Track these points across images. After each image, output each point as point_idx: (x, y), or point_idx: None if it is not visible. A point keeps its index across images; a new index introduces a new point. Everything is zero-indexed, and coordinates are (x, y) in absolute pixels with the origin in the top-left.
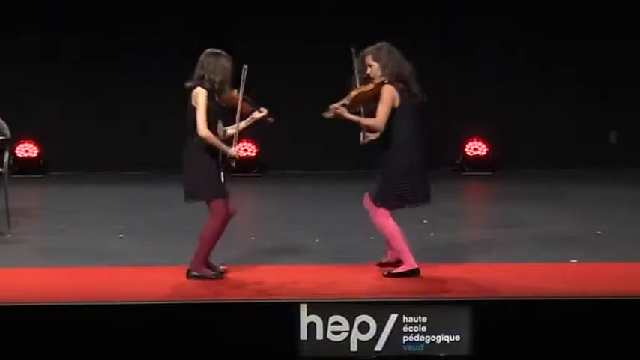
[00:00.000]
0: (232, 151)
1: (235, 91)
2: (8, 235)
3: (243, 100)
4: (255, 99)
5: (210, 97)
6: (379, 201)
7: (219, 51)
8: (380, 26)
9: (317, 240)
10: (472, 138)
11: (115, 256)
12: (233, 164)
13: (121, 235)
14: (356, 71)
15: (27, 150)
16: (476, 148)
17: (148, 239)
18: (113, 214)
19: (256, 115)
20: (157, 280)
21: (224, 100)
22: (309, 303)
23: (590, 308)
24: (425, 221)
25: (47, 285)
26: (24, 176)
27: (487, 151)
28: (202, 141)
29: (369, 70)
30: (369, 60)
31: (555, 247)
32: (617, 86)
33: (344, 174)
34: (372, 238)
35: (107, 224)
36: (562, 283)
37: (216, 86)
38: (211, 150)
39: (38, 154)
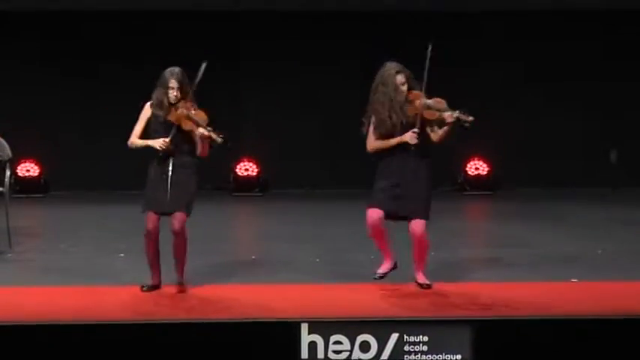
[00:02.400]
0: (152, 142)
1: (183, 109)
2: (9, 255)
3: (186, 118)
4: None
5: (157, 110)
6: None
7: (171, 68)
8: (377, 48)
9: (317, 259)
10: (473, 157)
11: (115, 276)
12: (160, 153)
13: (121, 255)
14: (425, 73)
15: (28, 169)
16: (477, 167)
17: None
18: (114, 233)
19: (202, 133)
20: (157, 299)
21: (169, 117)
22: (310, 322)
23: (592, 328)
24: None
25: (48, 304)
26: (25, 195)
27: (488, 171)
28: (131, 149)
29: (403, 88)
30: (403, 79)
31: (556, 266)
32: (618, 106)
33: (345, 192)
34: (372, 257)
35: (108, 243)
36: (563, 303)
37: (155, 106)
38: (152, 164)
39: (39, 173)
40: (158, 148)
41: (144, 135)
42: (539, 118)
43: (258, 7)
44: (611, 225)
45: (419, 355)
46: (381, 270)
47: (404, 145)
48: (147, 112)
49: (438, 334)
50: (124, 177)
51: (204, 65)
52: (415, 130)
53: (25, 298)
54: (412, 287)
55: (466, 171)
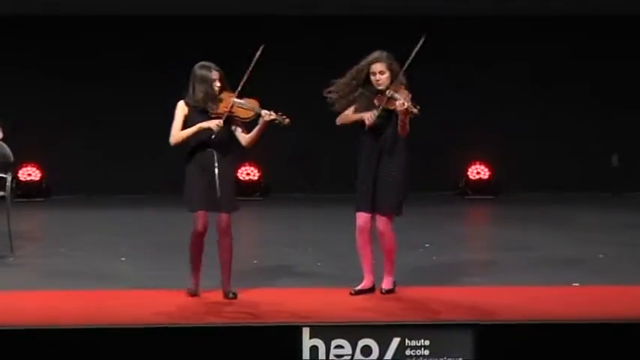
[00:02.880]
0: (206, 123)
1: (228, 98)
2: (10, 259)
3: (237, 106)
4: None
5: (196, 110)
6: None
7: (204, 63)
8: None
9: (319, 263)
10: (475, 161)
11: (117, 280)
12: (213, 135)
13: (123, 258)
14: (408, 62)
15: (29, 173)
16: (478, 171)
17: (151, 262)
18: (115, 237)
19: (265, 117)
20: (159, 303)
21: (218, 111)
22: (311, 326)
23: (593, 332)
24: (427, 244)
25: (49, 308)
26: (26, 200)
27: (490, 175)
28: (175, 147)
29: (377, 77)
30: (382, 67)
31: (557, 270)
32: (619, 110)
33: (346, 197)
34: (373, 262)
35: (109, 247)
36: (564, 307)
37: (199, 101)
38: (193, 161)
39: (41, 177)
40: (214, 127)
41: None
42: (541, 122)
43: (260, 11)
44: (612, 229)
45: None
46: (359, 286)
47: (375, 137)
48: (183, 109)
49: (439, 339)
50: (125, 181)
51: (261, 48)
52: (375, 112)
53: (26, 302)
54: (413, 291)
55: (467, 175)
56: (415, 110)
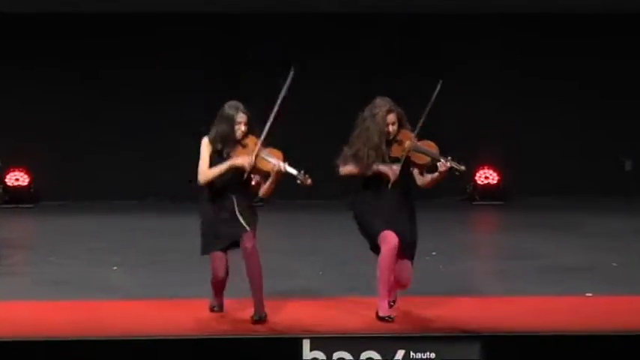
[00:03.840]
0: (239, 160)
1: (253, 146)
2: None
3: (261, 157)
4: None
5: (218, 151)
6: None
7: (233, 102)
8: (384, 60)
9: (320, 272)
10: (483, 166)
11: (109, 290)
12: (248, 178)
13: (115, 268)
14: (428, 107)
15: (17, 178)
16: (487, 176)
17: (145, 271)
18: (107, 244)
19: (278, 168)
20: (153, 314)
21: (235, 155)
22: (312, 338)
23: (606, 345)
24: (433, 253)
25: (38, 320)
26: (14, 205)
27: (498, 180)
28: (206, 187)
29: (390, 128)
30: (394, 118)
31: (569, 279)
32: (632, 113)
33: (339, 203)
34: None
35: (100, 256)
36: (577, 318)
37: (212, 141)
38: (211, 201)
39: (29, 182)
40: (246, 165)
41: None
42: (551, 125)
43: (258, 9)
44: (626, 235)
45: None
46: (389, 312)
47: (384, 186)
48: (209, 146)
49: (446, 351)
50: (117, 186)
51: (292, 73)
52: (396, 167)
53: (14, 313)
54: (419, 301)
55: (475, 180)
56: (463, 167)
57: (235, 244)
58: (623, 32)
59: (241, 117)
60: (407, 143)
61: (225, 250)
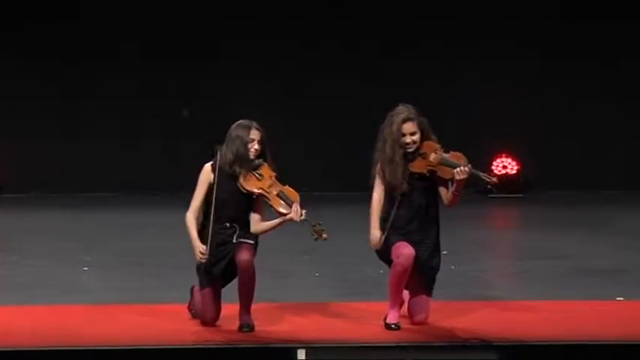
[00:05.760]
0: (198, 248)
1: (268, 178)
2: None
3: (275, 191)
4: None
5: (226, 174)
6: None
7: (244, 121)
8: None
9: (317, 274)
10: (500, 154)
11: (79, 293)
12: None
13: (85, 268)
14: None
15: None
16: (505, 165)
17: (118, 272)
18: (76, 242)
19: (288, 216)
20: (129, 321)
21: (248, 186)
22: (307, 348)
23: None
24: (444, 252)
25: (1, 326)
26: None
27: (518, 170)
28: (200, 215)
29: (408, 139)
30: (414, 127)
31: (597, 282)
32: None
33: (346, 196)
34: (381, 271)
35: (70, 255)
36: (606, 325)
37: (226, 164)
38: (210, 230)
39: None
40: (197, 259)
41: (204, 204)
42: (578, 111)
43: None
44: None
45: None
46: (396, 319)
47: (413, 205)
48: (207, 176)
49: None
50: (87, 178)
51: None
52: (378, 234)
53: None
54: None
55: (492, 170)
56: (495, 179)
57: (232, 272)
58: None
59: (255, 134)
60: (432, 156)
61: (221, 282)
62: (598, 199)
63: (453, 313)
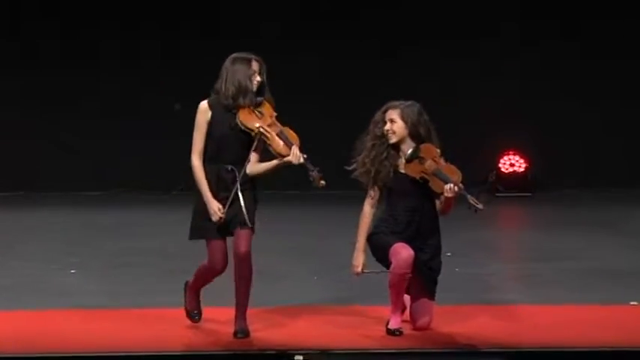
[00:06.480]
0: (214, 206)
1: (269, 117)
2: None
3: (275, 131)
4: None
5: (225, 110)
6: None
7: (240, 54)
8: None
9: (315, 277)
10: (508, 151)
11: (65, 296)
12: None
13: (72, 271)
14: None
15: None
16: (512, 162)
17: (107, 275)
18: (62, 244)
19: (292, 158)
20: (118, 325)
21: (248, 124)
22: (305, 354)
23: None
24: (448, 254)
25: None
26: None
27: (526, 167)
28: (201, 156)
29: (387, 126)
30: (394, 115)
31: (609, 285)
32: None
33: (347, 194)
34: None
35: (55, 257)
36: (618, 331)
37: (229, 97)
38: (208, 177)
39: None
40: (213, 219)
41: (207, 142)
42: (588, 106)
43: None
44: None
45: None
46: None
47: (409, 207)
48: (205, 114)
49: None
50: (73, 175)
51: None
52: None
53: None
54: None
55: (499, 167)
56: (480, 207)
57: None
58: None
59: (255, 65)
60: (428, 163)
61: (224, 237)
62: (610, 198)
63: (458, 318)
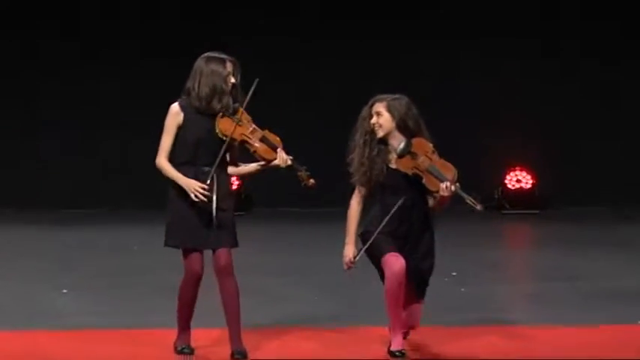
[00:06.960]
0: (193, 183)
1: (248, 124)
2: None
3: (257, 137)
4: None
5: (197, 112)
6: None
7: (213, 54)
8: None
9: (315, 297)
10: (514, 167)
11: (57, 317)
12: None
13: (64, 291)
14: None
15: None
16: (519, 179)
17: (99, 295)
18: (54, 263)
19: (273, 162)
20: (110, 347)
21: (225, 131)
22: None
23: None
24: (454, 273)
25: None
26: None
27: (533, 184)
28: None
29: (374, 119)
30: (380, 108)
31: (619, 305)
32: None
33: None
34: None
35: (47, 276)
36: (630, 353)
37: (203, 98)
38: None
39: None
40: (193, 198)
41: (176, 144)
42: (599, 120)
43: None
44: None
45: None
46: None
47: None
48: (176, 117)
49: None
50: (65, 193)
51: (256, 82)
52: (353, 253)
53: None
54: (436, 332)
55: (505, 184)
56: (479, 207)
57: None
58: None
59: (229, 66)
60: (421, 159)
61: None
62: (619, 216)
63: (464, 339)
